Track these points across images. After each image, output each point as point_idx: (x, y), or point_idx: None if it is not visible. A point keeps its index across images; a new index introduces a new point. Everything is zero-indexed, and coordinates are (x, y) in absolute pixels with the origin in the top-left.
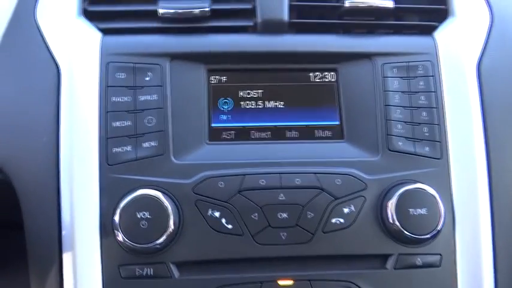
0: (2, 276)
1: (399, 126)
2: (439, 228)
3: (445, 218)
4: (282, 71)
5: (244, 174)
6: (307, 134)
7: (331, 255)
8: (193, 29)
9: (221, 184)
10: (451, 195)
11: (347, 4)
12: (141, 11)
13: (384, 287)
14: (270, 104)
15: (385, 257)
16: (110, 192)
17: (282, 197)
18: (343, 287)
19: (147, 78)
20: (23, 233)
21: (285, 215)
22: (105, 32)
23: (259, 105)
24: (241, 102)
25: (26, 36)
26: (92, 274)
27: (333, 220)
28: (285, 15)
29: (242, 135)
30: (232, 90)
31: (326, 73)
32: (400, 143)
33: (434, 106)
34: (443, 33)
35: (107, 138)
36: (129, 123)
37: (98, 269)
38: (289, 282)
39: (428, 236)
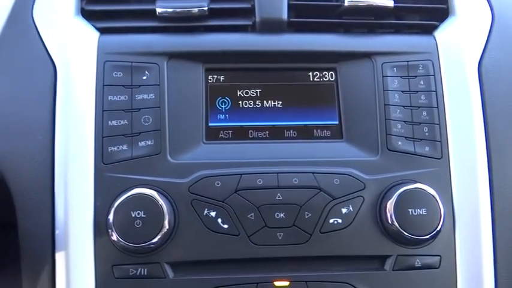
0: None
1: (399, 125)
2: (438, 229)
3: (444, 218)
4: (281, 70)
5: (241, 174)
6: (305, 133)
7: (329, 256)
8: (191, 28)
9: (217, 184)
10: (451, 195)
11: (346, 3)
12: (139, 10)
13: None
14: (268, 104)
15: (383, 258)
16: (105, 191)
17: (279, 196)
18: None
19: (144, 77)
20: (16, 232)
21: (282, 215)
22: (102, 31)
23: (258, 104)
24: (239, 102)
25: (22, 35)
26: (84, 274)
27: (331, 220)
28: (284, 14)
29: (240, 134)
30: (230, 89)
31: (325, 72)
32: (399, 143)
33: (435, 105)
34: (444, 33)
35: (103, 137)
36: (125, 122)
37: (91, 268)
38: (286, 283)
39: (427, 236)
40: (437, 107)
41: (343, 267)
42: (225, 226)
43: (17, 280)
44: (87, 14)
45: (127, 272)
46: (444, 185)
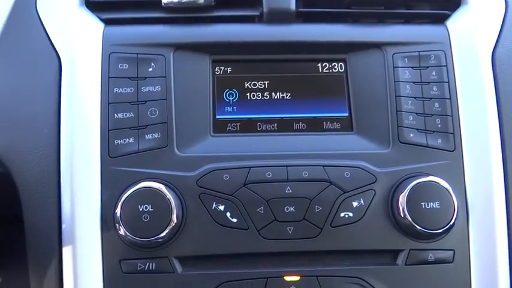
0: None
1: (410, 117)
2: (452, 222)
3: (458, 212)
4: (289, 62)
5: (249, 167)
6: (315, 125)
7: (340, 251)
8: (197, 18)
9: (226, 177)
10: (464, 188)
11: None
12: (144, 1)
13: (394, 283)
14: (277, 95)
15: (395, 253)
16: (112, 185)
17: (288, 190)
18: (351, 283)
19: (150, 69)
20: (23, 227)
21: (291, 209)
22: (107, 22)
23: (266, 96)
24: (247, 94)
25: (27, 27)
26: (92, 269)
27: (342, 214)
28: (292, 4)
29: (248, 127)
30: (238, 81)
31: (335, 63)
32: (411, 135)
33: (447, 97)
34: (456, 22)
35: (109, 130)
36: (131, 114)
37: (98, 263)
38: (296, 278)
39: (440, 230)
40: (450, 98)
41: (355, 261)
42: (234, 220)
43: (24, 275)
44: (91, 5)
45: (135, 267)
46: (457, 177)
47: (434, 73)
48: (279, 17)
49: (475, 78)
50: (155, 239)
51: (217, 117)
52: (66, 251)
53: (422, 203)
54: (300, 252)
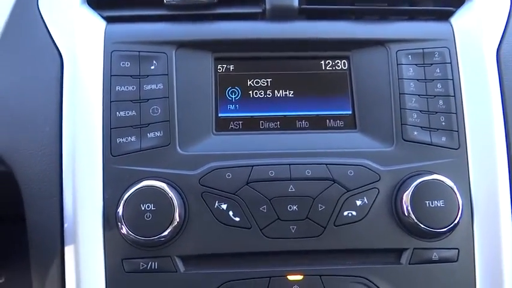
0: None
1: (414, 115)
2: (456, 221)
3: (463, 210)
4: (292, 59)
5: (252, 166)
6: (318, 123)
7: (343, 250)
8: (200, 16)
9: (228, 175)
10: (469, 186)
11: None
12: None
13: (398, 282)
14: (280, 93)
15: (399, 252)
16: (114, 183)
17: (291, 188)
18: (355, 282)
19: (153, 67)
20: (25, 225)
21: (294, 208)
22: (109, 20)
23: (268, 94)
24: (250, 92)
25: (28, 25)
26: (94, 268)
27: (345, 213)
28: (295, 1)
29: (250, 125)
30: (240, 79)
31: (338, 61)
32: (415, 133)
33: (452, 94)
34: (461, 19)
35: (111, 129)
36: (133, 113)
37: (100, 262)
38: (299, 277)
39: (445, 229)
40: (454, 96)
41: (358, 260)
42: (237, 219)
43: (27, 274)
44: (93, 3)
45: (137, 266)
46: (462, 176)
47: (438, 70)
48: (282, 14)
49: (480, 76)
50: (157, 238)
51: (219, 115)
52: (68, 250)
53: (427, 202)
54: (303, 251)
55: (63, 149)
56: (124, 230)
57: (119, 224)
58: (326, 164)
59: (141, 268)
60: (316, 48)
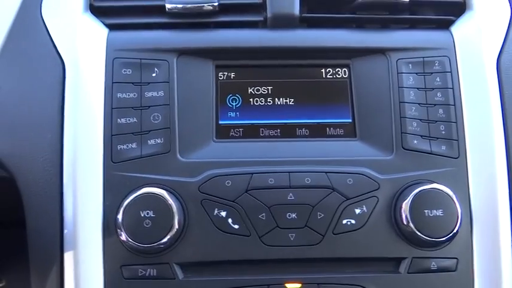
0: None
1: (414, 123)
2: (455, 230)
3: (462, 220)
4: (293, 67)
5: (252, 173)
6: (318, 131)
7: (342, 258)
8: (201, 24)
9: (228, 183)
10: (468, 196)
11: None
12: (148, 6)
13: None
14: (280, 101)
15: (398, 261)
16: (114, 190)
17: (291, 196)
18: None
19: (154, 74)
20: (25, 231)
21: (294, 216)
22: (111, 27)
23: (269, 102)
24: (250, 99)
25: (31, 32)
26: (93, 274)
27: (344, 221)
28: (296, 10)
29: (251, 132)
30: (241, 86)
31: (338, 69)
32: (415, 142)
33: (452, 103)
34: (461, 28)
35: (112, 135)
36: (134, 120)
37: (99, 269)
38: (297, 285)
39: (444, 238)
40: (454, 105)
41: (357, 269)
42: (236, 226)
43: (27, 279)
44: (96, 11)
45: (136, 273)
46: (461, 185)
47: (438, 79)
48: (283, 22)
49: (480, 85)
50: (156, 245)
51: (220, 122)
52: (68, 256)
53: (426, 211)
54: (301, 259)
55: (64, 155)
56: (123, 237)
57: (119, 230)
58: (325, 172)
59: (139, 275)
60: (317, 57)
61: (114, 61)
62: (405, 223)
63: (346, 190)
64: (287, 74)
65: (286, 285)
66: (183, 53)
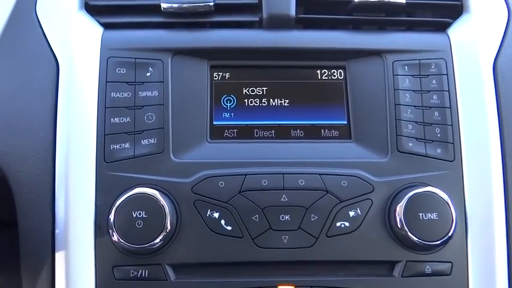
0: None
1: (410, 126)
2: (450, 234)
3: (456, 223)
4: (288, 68)
5: (245, 174)
6: (312, 133)
7: (335, 261)
8: (196, 24)
9: (221, 184)
10: (463, 199)
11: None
12: (144, 5)
13: None
14: (275, 102)
15: (392, 264)
16: (106, 190)
17: (284, 198)
18: None
19: (148, 74)
20: (17, 230)
21: (287, 218)
22: (106, 26)
23: (264, 103)
24: (245, 100)
25: (25, 30)
26: (84, 275)
27: (338, 224)
28: (292, 11)
29: (245, 133)
30: (236, 87)
31: (334, 70)
32: (410, 144)
33: (447, 106)
34: (458, 30)
35: (105, 135)
36: (128, 119)
37: (91, 269)
38: (290, 287)
39: (438, 242)
40: (450, 108)
41: (350, 272)
42: (229, 228)
43: (17, 279)
44: (90, 9)
45: (128, 274)
46: (456, 188)
47: (434, 82)
48: (279, 23)
49: (476, 88)
50: (148, 246)
51: (214, 123)
52: (59, 256)
53: (420, 214)
54: (294, 262)
55: (57, 154)
56: (115, 237)
57: (110, 231)
58: (319, 174)
59: (131, 276)
60: (313, 58)
61: (109, 60)
62: (399, 226)
63: (340, 192)
64: (282, 75)
65: (279, 287)
66: (178, 52)
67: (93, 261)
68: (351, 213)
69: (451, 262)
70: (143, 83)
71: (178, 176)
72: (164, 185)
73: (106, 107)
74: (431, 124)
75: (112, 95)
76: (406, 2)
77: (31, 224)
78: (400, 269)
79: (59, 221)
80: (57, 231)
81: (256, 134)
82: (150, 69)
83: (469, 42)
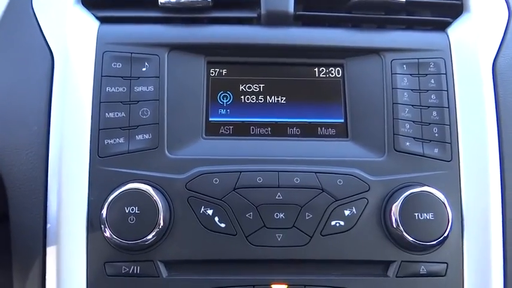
0: None
1: (407, 125)
2: (446, 234)
3: (452, 224)
4: (286, 65)
5: (240, 171)
6: (309, 131)
7: (329, 260)
8: (194, 19)
9: (216, 181)
10: (460, 200)
11: None
12: (141, 0)
13: None
14: (272, 99)
15: (386, 264)
16: (99, 185)
17: (279, 196)
18: None
19: (144, 69)
20: (8, 224)
21: (281, 216)
22: (102, 20)
23: (260, 100)
24: (241, 96)
25: (21, 23)
26: (76, 270)
27: (333, 222)
28: (291, 7)
29: (241, 130)
30: (233, 83)
31: (332, 68)
32: (407, 143)
33: (446, 105)
34: (458, 30)
35: (99, 130)
36: (123, 114)
37: (82, 265)
38: (283, 287)
39: (434, 242)
40: (448, 107)
41: (344, 271)
42: (222, 225)
43: (8, 274)
44: (87, 3)
45: (119, 270)
46: (453, 188)
47: (433, 81)
48: (277, 19)
49: (475, 88)
50: (141, 242)
51: (210, 119)
52: (50, 251)
53: (416, 214)
54: (288, 260)
55: (50, 148)
56: (107, 233)
57: (103, 226)
58: (315, 172)
59: (123, 272)
60: (310, 55)
61: (104, 54)
62: (395, 226)
63: (336, 191)
64: (280, 72)
65: (272, 286)
66: (174, 48)
67: (85, 257)
68: (346, 212)
69: (446, 263)
70: (139, 78)
71: (173, 172)
72: (158, 181)
73: (101, 102)
74: (429, 124)
75: (107, 89)
76: (406, 1)
77: (23, 218)
78: (394, 269)
79: (50, 215)
80: (48, 225)
81: (252, 131)
82: (146, 64)
83: (469, 42)
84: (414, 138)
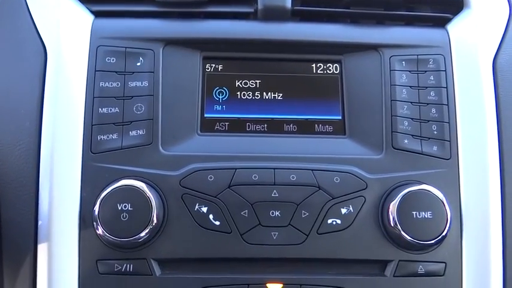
0: None
1: (406, 123)
2: (444, 233)
3: (451, 223)
4: (283, 61)
5: (235, 168)
6: (306, 128)
7: (325, 259)
8: (190, 14)
9: (210, 178)
10: (459, 198)
11: None
12: None
13: None
14: (268, 95)
15: (384, 263)
16: (92, 182)
17: (275, 194)
18: None
19: (138, 64)
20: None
21: (277, 214)
22: (97, 14)
23: (257, 96)
24: (237, 93)
25: (13, 16)
26: (67, 268)
27: (329, 221)
28: (288, 2)
29: (236, 127)
30: (228, 79)
31: (329, 64)
32: (405, 141)
33: (445, 103)
34: (458, 26)
35: (92, 125)
36: (116, 110)
37: (74, 262)
38: (279, 285)
39: (432, 242)
40: (448, 105)
41: (341, 271)
42: (217, 223)
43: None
44: None
45: (112, 268)
46: (452, 187)
47: (432, 78)
48: (274, 14)
49: (475, 85)
50: (133, 240)
51: (205, 115)
52: (42, 249)
53: (414, 213)
54: (284, 259)
55: (42, 144)
56: (100, 230)
57: (95, 223)
58: (312, 170)
59: (115, 270)
60: (308, 51)
61: (98, 49)
62: (392, 225)
63: (333, 189)
64: (276, 67)
65: (268, 285)
66: (170, 42)
67: (77, 255)
68: (343, 211)
69: (444, 262)
70: (133, 73)
71: (167, 168)
72: (151, 178)
73: (94, 97)
74: (428, 121)
75: (101, 84)
76: None
77: (14, 215)
78: (392, 269)
79: (42, 212)
80: (40, 222)
81: (248, 128)
82: (141, 59)
83: (469, 39)
84: (413, 135)
